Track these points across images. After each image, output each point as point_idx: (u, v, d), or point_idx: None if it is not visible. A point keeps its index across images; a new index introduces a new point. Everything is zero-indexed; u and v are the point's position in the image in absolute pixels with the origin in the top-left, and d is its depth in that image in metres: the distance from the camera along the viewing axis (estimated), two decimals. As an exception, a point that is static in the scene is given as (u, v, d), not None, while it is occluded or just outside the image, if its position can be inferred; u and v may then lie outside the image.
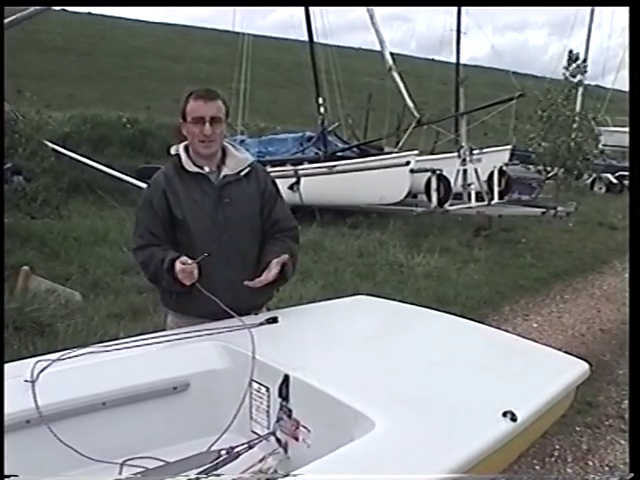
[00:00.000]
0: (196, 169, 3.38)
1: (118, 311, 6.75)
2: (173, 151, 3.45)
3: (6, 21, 8.47)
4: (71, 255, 8.92)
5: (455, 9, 21.55)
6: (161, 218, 3.33)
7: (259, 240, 3.51)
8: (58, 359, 2.72)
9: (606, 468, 4.31)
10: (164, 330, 3.34)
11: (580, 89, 20.27)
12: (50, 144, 15.09)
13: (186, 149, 3.42)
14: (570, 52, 19.94)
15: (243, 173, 3.45)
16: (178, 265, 3.10)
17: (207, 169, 3.40)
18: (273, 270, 3.27)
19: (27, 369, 2.60)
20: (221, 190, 3.38)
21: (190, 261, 3.10)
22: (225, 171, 3.43)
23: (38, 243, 9.21)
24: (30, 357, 2.79)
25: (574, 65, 19.56)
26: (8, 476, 2.06)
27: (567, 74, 19.49)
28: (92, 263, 8.50)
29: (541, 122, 18.66)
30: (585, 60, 20.39)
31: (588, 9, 33.93)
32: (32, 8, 8.89)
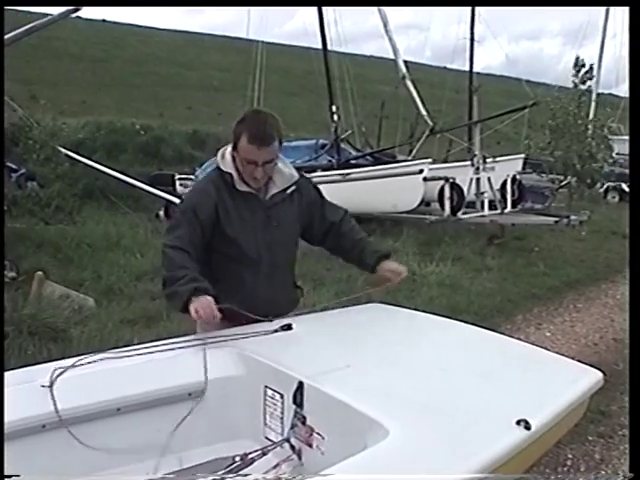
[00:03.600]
0: (247, 189, 3.37)
1: (132, 317, 6.77)
2: (222, 165, 3.40)
3: (24, 29, 8.52)
4: (85, 261, 8.96)
5: (469, 17, 21.60)
6: (205, 230, 3.33)
7: (295, 249, 3.67)
8: (74, 365, 2.73)
9: (621, 478, 4.29)
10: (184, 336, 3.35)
11: (593, 96, 20.23)
12: (64, 150, 15.17)
13: (236, 167, 3.38)
14: (577, 58, 19.89)
15: (289, 191, 3.47)
16: (205, 303, 3.02)
17: (256, 186, 3.42)
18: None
19: (42, 374, 2.62)
20: (269, 210, 3.41)
21: (218, 316, 3.04)
22: (273, 189, 3.43)
23: (52, 249, 9.26)
24: (44, 362, 2.81)
25: (582, 71, 19.52)
26: (9, 476, 2.07)
27: (576, 81, 19.45)
28: (105, 269, 8.53)
29: (551, 131, 18.64)
30: (592, 67, 20.33)
31: (602, 18, 33.93)
32: (49, 17, 8.95)
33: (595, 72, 20.07)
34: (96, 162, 14.79)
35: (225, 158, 3.40)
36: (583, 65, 19.74)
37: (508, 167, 14.39)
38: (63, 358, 2.87)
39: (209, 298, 3.05)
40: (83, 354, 2.90)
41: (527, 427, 2.31)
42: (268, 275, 3.38)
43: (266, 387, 2.80)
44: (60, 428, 2.51)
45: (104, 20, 70.45)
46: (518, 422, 2.32)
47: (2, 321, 5.54)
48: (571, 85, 19.88)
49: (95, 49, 56.79)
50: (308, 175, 12.77)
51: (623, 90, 40.37)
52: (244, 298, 3.23)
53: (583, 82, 19.47)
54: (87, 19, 56.69)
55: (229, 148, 3.40)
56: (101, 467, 2.57)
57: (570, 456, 4.51)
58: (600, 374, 2.90)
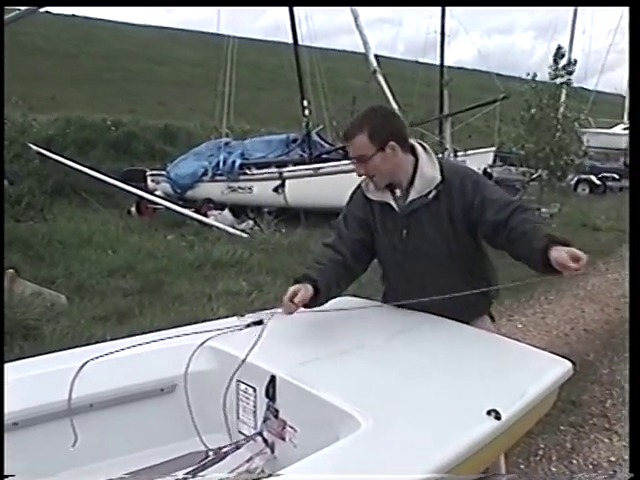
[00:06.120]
0: (377, 197, 3.29)
1: (104, 314, 6.75)
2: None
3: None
4: (56, 258, 8.93)
5: (440, 12, 21.70)
6: (358, 230, 3.38)
7: (458, 258, 3.29)
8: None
9: (590, 466, 4.35)
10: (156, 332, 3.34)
11: (564, 90, 20.31)
12: (34, 147, 15.09)
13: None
14: (558, 48, 19.84)
15: (430, 196, 3.18)
16: (290, 292, 3.04)
17: (398, 192, 3.26)
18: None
19: (13, 372, 2.61)
20: (405, 218, 3.24)
21: (294, 304, 3.01)
22: (412, 195, 3.20)
23: (23, 246, 9.22)
24: (16, 360, 2.80)
25: (562, 62, 19.48)
26: (7, 476, 2.08)
27: (552, 73, 19.43)
28: (77, 266, 8.51)
29: (523, 123, 18.71)
30: (575, 61, 20.34)
31: (571, 14, 34.23)
32: (16, 11, 8.88)
33: (573, 66, 20.05)
34: (67, 158, 14.72)
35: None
36: (563, 56, 19.69)
37: (479, 160, 14.48)
38: (35, 355, 2.87)
39: (299, 286, 3.05)
40: (55, 351, 2.91)
41: (497, 417, 2.33)
42: (419, 283, 3.27)
43: (238, 381, 2.80)
44: (31, 426, 2.51)
45: (74, 15, 69.71)
46: (488, 412, 2.34)
47: (2, 321, 5.51)
48: (543, 77, 19.91)
49: (65, 44, 56.17)
50: (280, 170, 12.69)
51: (592, 84, 40.78)
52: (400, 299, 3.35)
53: (560, 76, 19.43)
54: (56, 13, 56.11)
55: None
56: (74, 464, 2.57)
57: (542, 446, 4.56)
58: (570, 364, 2.92)
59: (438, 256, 3.25)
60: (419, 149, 3.25)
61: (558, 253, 2.73)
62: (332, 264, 3.27)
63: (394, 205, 3.25)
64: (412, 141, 3.28)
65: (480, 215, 3.11)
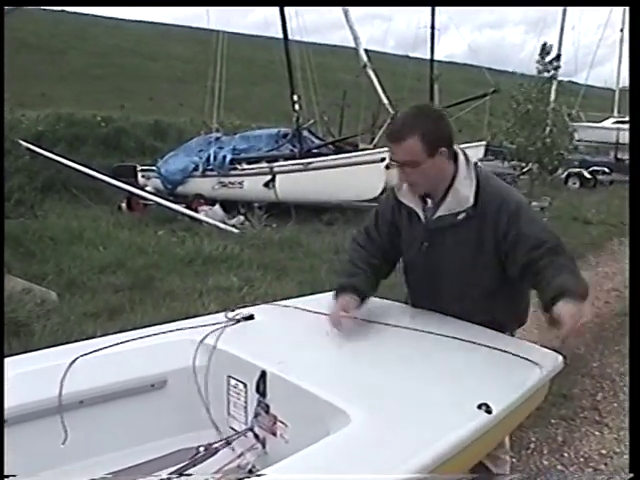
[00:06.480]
0: (409, 203, 3.09)
1: (94, 310, 6.71)
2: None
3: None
4: (47, 254, 8.89)
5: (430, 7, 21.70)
6: (386, 233, 3.27)
7: (476, 286, 3.10)
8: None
9: (581, 460, 4.35)
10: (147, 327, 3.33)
11: (554, 84, 20.38)
12: (24, 143, 15.05)
13: None
14: (544, 45, 19.95)
15: (460, 217, 2.96)
16: (340, 305, 3.08)
17: (430, 203, 3.06)
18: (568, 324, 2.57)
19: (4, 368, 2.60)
20: (429, 233, 3.06)
21: (345, 314, 3.03)
22: (441, 210, 2.99)
23: (13, 243, 9.16)
24: (6, 357, 2.79)
25: (548, 58, 19.58)
26: (7, 476, 2.07)
27: (540, 68, 19.51)
28: (68, 262, 8.46)
29: (514, 117, 18.76)
30: (559, 56, 20.43)
31: (560, 9, 34.24)
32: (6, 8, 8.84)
33: (561, 61, 20.15)
34: (57, 154, 14.69)
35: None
36: (549, 52, 19.78)
37: (470, 154, 14.41)
38: (25, 352, 2.86)
39: (348, 299, 3.08)
40: (45, 347, 2.90)
41: (488, 411, 2.32)
42: (430, 294, 3.23)
43: (229, 377, 2.80)
44: (21, 423, 2.50)
45: (63, 10, 69.42)
46: (479, 406, 2.33)
47: (2, 319, 5.49)
48: (533, 72, 19.97)
49: (55, 40, 56.02)
50: (271, 164, 12.63)
51: (582, 78, 40.88)
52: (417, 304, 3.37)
53: (547, 70, 19.51)
54: (46, 10, 55.92)
55: None
56: (64, 461, 2.55)
57: (533, 439, 4.56)
58: (560, 357, 2.93)
59: (454, 279, 3.12)
60: (461, 159, 3.06)
61: (561, 308, 2.61)
62: (371, 270, 3.22)
63: (421, 216, 3.07)
64: (456, 148, 3.09)
65: (512, 252, 2.92)
